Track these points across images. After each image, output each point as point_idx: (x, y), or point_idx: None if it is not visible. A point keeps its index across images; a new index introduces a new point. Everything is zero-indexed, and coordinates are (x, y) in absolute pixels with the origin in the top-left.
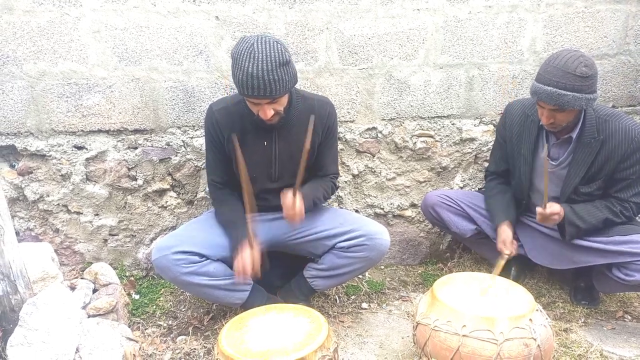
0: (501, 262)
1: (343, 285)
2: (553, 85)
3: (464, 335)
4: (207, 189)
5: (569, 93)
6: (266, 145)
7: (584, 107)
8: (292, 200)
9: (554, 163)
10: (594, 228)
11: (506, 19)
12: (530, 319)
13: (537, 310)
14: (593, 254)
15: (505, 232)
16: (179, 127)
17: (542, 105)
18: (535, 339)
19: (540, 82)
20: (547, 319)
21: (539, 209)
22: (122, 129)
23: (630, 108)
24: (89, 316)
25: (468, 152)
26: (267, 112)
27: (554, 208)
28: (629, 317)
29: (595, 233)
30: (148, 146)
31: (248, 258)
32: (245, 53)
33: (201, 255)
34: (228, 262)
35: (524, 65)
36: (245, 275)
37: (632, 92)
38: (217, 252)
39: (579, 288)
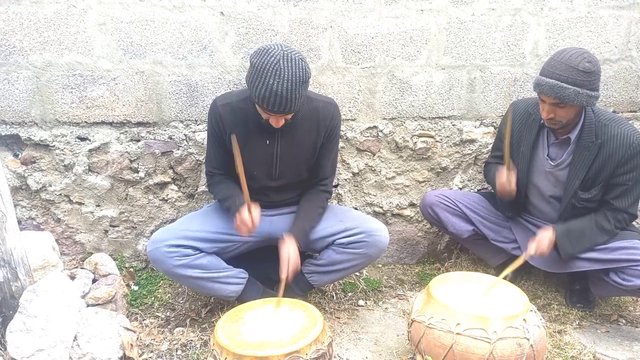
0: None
1: (340, 282)
2: (555, 78)
3: (457, 334)
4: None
5: (570, 87)
6: (268, 144)
7: (584, 104)
8: (249, 216)
9: (552, 163)
10: (587, 248)
11: (509, 22)
12: (524, 319)
13: (531, 310)
14: (590, 260)
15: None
16: (181, 121)
17: (543, 99)
18: (528, 339)
19: (543, 75)
20: (541, 319)
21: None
22: (125, 121)
23: (631, 114)
24: (87, 305)
25: (468, 154)
26: (280, 122)
27: (543, 241)
28: (624, 321)
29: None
30: (151, 139)
31: (247, 215)
32: (271, 69)
33: (195, 249)
34: (223, 255)
35: (526, 69)
36: (247, 229)
37: (633, 97)
38: (212, 246)
39: (575, 291)
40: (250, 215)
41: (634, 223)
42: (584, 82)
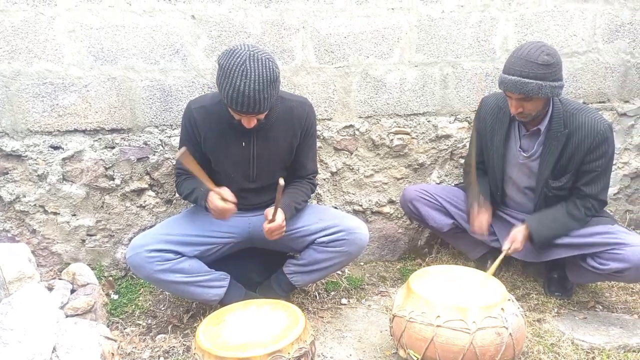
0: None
1: (322, 281)
2: (517, 74)
3: (437, 326)
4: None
5: (532, 81)
6: (244, 145)
7: (549, 95)
8: (275, 223)
9: (524, 155)
10: (559, 234)
11: (478, 18)
12: (502, 309)
13: (509, 300)
14: (566, 247)
15: (479, 215)
16: (156, 126)
17: (509, 96)
18: (507, 328)
19: (506, 72)
20: (519, 308)
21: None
22: (98, 128)
23: (600, 104)
24: (66, 316)
25: (444, 149)
26: (251, 122)
27: (517, 238)
28: (600, 307)
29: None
30: (125, 145)
31: (218, 200)
32: (237, 70)
33: (176, 253)
34: (204, 259)
35: (497, 63)
36: (224, 212)
37: (602, 89)
38: (193, 249)
39: (553, 280)
40: (221, 197)
41: (606, 210)
42: (545, 75)
